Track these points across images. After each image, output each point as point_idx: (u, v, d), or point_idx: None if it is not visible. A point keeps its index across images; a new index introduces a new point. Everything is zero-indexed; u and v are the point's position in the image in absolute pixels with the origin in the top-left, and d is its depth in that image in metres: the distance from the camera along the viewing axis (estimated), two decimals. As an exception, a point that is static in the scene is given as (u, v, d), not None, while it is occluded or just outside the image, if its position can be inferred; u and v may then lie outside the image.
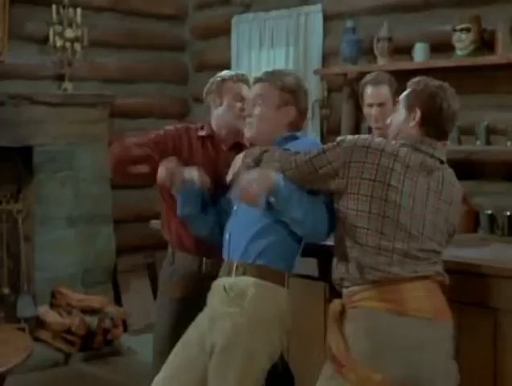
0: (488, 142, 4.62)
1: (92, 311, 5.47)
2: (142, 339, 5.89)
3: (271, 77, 2.94)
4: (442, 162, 2.70)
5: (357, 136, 2.69)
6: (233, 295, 2.79)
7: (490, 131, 4.66)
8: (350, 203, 2.61)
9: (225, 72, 3.42)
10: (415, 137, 2.68)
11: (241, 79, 3.36)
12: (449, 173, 2.74)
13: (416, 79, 2.78)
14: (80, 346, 5.37)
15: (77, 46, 5.86)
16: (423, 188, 2.62)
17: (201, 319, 2.91)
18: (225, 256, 2.93)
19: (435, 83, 2.74)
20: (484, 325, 2.80)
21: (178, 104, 6.94)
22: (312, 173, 2.67)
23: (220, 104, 3.33)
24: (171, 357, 2.91)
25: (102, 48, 6.31)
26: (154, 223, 4.20)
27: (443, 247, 2.69)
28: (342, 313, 2.65)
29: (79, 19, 5.85)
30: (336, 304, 2.68)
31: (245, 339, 2.73)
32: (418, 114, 2.69)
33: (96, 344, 5.41)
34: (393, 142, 2.67)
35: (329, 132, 5.65)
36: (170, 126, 3.41)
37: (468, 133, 4.68)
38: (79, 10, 5.85)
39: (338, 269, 2.68)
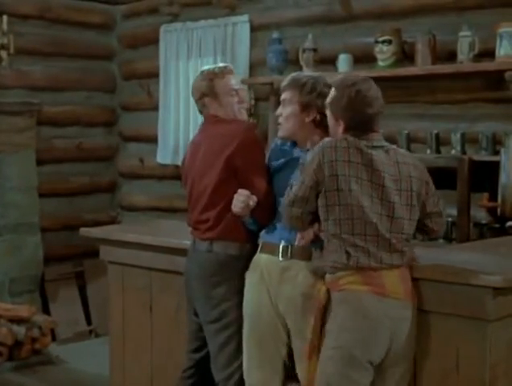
0: (409, 150, 4.76)
1: (19, 321, 5.41)
2: (71, 348, 5.89)
3: (292, 83, 3.22)
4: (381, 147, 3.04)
5: None
6: None
7: (411, 139, 4.82)
8: None
9: (207, 69, 3.43)
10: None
11: (227, 71, 3.40)
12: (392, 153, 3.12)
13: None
14: (7, 356, 5.32)
15: (3, 53, 5.80)
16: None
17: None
18: None
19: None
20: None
21: (106, 113, 6.94)
22: None
23: (219, 105, 3.37)
24: None
25: (29, 56, 6.27)
26: (84, 231, 4.21)
27: (410, 230, 2.92)
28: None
29: (5, 26, 5.78)
30: (322, 289, 2.96)
31: None
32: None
33: (24, 354, 5.37)
34: None
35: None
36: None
37: (390, 142, 4.78)
38: (5, 18, 5.78)
39: (325, 256, 2.91)
